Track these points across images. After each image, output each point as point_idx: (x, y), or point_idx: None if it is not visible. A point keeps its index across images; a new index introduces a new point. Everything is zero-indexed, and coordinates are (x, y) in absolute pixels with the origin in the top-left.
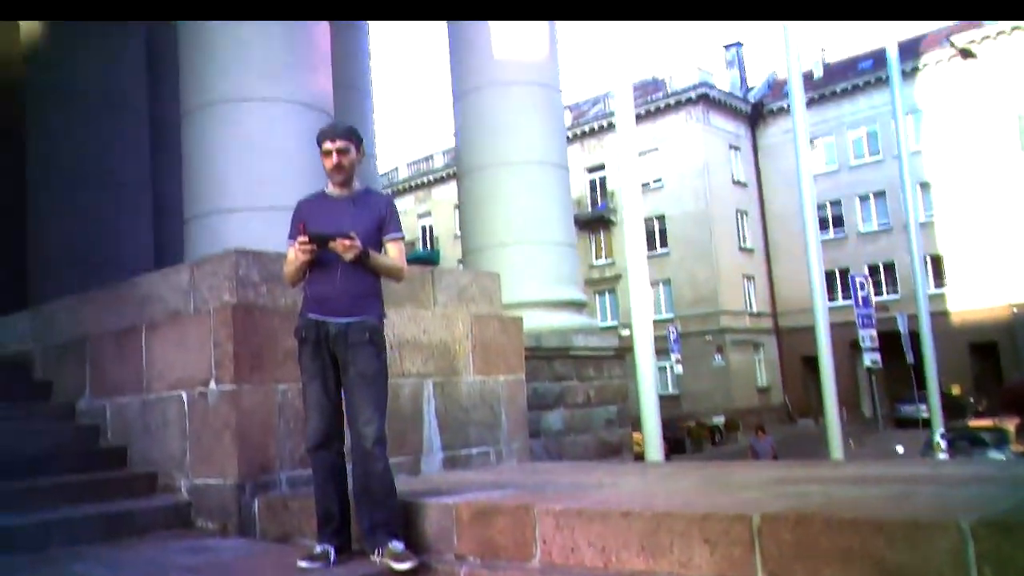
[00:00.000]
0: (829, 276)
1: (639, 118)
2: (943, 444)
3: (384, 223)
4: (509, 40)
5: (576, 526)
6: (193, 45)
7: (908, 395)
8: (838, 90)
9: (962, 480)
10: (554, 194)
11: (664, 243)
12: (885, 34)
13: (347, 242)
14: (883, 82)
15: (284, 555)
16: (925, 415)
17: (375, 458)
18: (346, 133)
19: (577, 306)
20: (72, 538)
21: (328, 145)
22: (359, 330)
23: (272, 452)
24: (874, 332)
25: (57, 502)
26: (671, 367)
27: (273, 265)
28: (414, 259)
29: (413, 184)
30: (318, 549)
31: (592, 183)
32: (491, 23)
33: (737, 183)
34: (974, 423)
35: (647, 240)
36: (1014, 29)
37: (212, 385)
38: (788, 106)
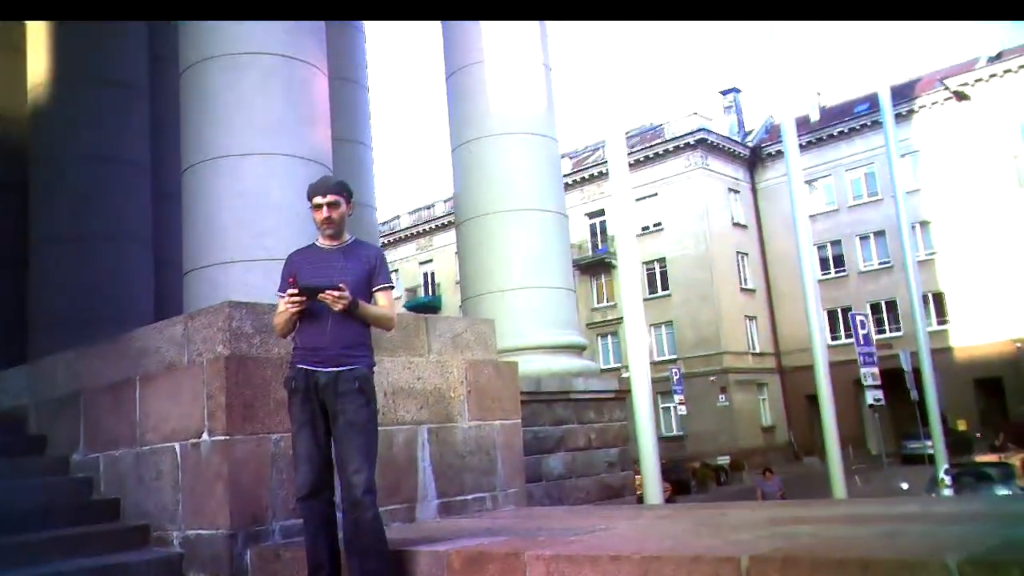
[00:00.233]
0: (831, 314)
1: (639, 163)
2: (948, 480)
3: (373, 273)
4: (505, 91)
5: (566, 571)
6: (195, 101)
7: (914, 431)
8: (835, 133)
9: (952, 518)
10: (552, 240)
11: (665, 285)
12: (878, 78)
13: (336, 293)
14: (879, 124)
15: None
16: (931, 451)
17: (365, 507)
18: (335, 187)
19: (577, 349)
20: None
21: (318, 199)
22: (348, 379)
23: (265, 502)
24: (876, 370)
25: (50, 556)
26: (675, 408)
27: (266, 316)
28: (416, 306)
29: (415, 232)
30: None
31: (592, 227)
32: (487, 76)
33: (737, 225)
34: (981, 458)
35: (648, 283)
36: (1006, 72)
37: (205, 436)
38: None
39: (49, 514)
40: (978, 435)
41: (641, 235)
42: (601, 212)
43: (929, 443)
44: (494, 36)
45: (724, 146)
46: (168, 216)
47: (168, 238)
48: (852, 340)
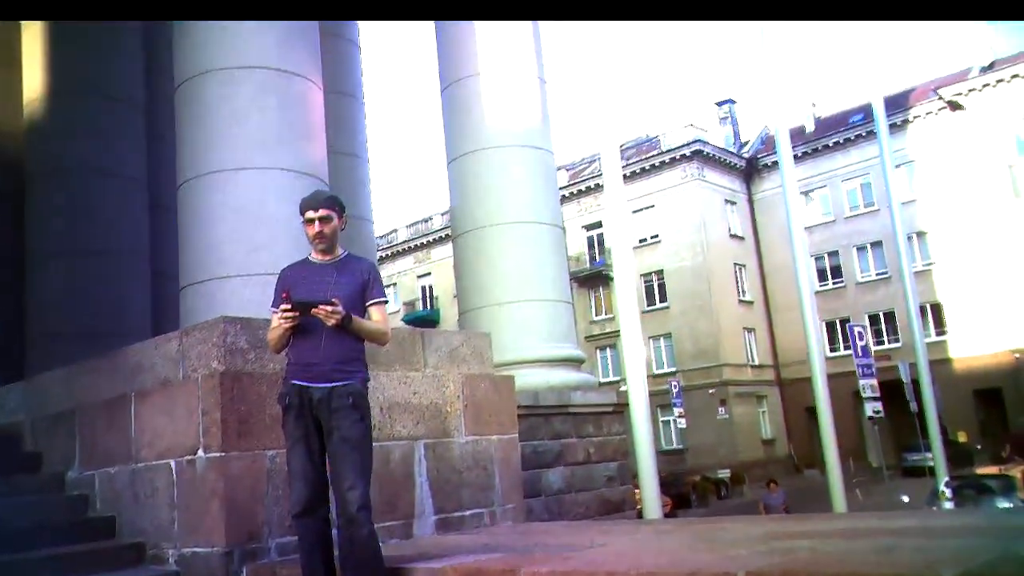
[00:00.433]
0: (829, 326)
1: (635, 175)
2: (948, 493)
3: (367, 288)
4: (501, 104)
5: None
6: (190, 115)
7: (914, 443)
8: (830, 143)
9: (950, 531)
10: (548, 253)
11: (663, 297)
12: (872, 89)
13: (329, 308)
14: (874, 134)
15: None
16: (932, 463)
17: (360, 524)
18: (327, 202)
19: (574, 363)
20: None
21: (310, 214)
22: (342, 395)
23: (261, 519)
24: (874, 382)
25: (45, 575)
26: (674, 421)
27: (261, 332)
28: (414, 319)
29: (412, 245)
30: None
31: (590, 240)
32: (484, 89)
33: (734, 236)
34: (981, 471)
35: (646, 295)
36: (999, 81)
37: (200, 452)
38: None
39: (44, 532)
40: (978, 447)
41: (638, 247)
42: (598, 224)
43: (929, 455)
44: (489, 49)
45: (720, 157)
46: (165, 230)
47: (165, 252)
48: (851, 352)
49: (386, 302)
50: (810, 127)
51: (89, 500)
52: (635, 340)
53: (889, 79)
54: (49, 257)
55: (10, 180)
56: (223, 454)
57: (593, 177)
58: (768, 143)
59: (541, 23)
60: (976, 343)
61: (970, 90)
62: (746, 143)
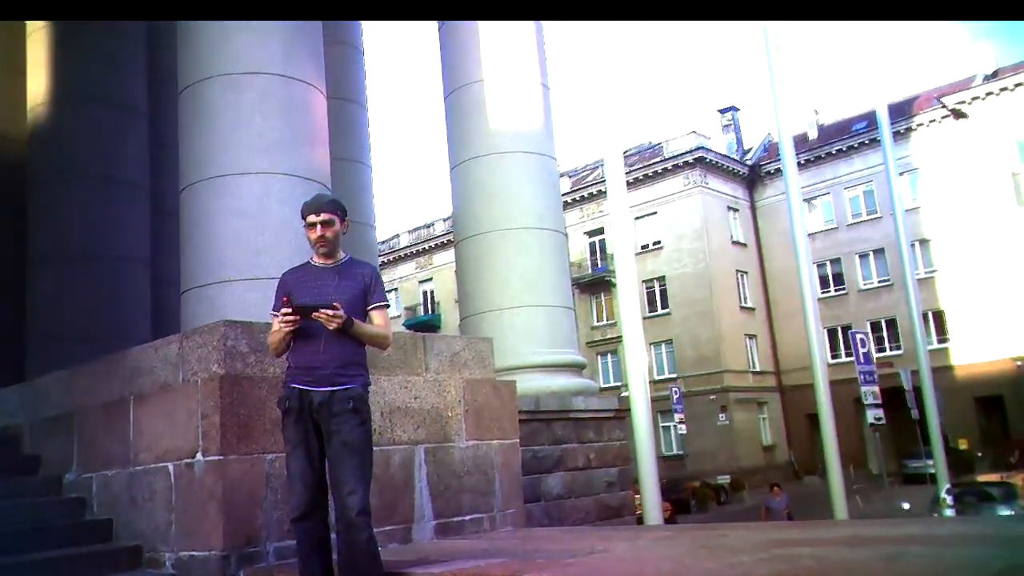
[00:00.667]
0: (831, 333)
1: (638, 182)
2: (949, 500)
3: (368, 292)
4: (504, 110)
5: None
6: (193, 120)
7: (915, 450)
8: (833, 151)
9: (955, 540)
10: (550, 258)
11: (665, 304)
12: (876, 96)
13: (330, 312)
14: (877, 142)
15: None
16: (932, 470)
17: (359, 528)
18: (329, 206)
19: (576, 368)
20: None
21: (312, 218)
22: (343, 399)
23: (259, 523)
24: (876, 389)
25: None
26: (675, 427)
27: (262, 335)
28: (415, 324)
29: (414, 250)
30: None
31: (592, 246)
32: (487, 95)
33: (736, 243)
34: (982, 478)
35: (648, 301)
36: (1002, 90)
37: (199, 456)
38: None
39: (41, 535)
40: (979, 454)
41: (641, 253)
42: (600, 230)
43: (930, 462)
44: (493, 55)
45: (723, 164)
46: (166, 235)
47: (166, 257)
48: (852, 358)
49: (388, 306)
50: (813, 134)
51: (87, 503)
52: (638, 346)
53: (892, 87)
54: (50, 261)
55: (13, 184)
56: (222, 457)
57: (595, 184)
58: (771, 150)
59: (544, 28)
60: (978, 350)
61: (973, 98)
62: (749, 150)
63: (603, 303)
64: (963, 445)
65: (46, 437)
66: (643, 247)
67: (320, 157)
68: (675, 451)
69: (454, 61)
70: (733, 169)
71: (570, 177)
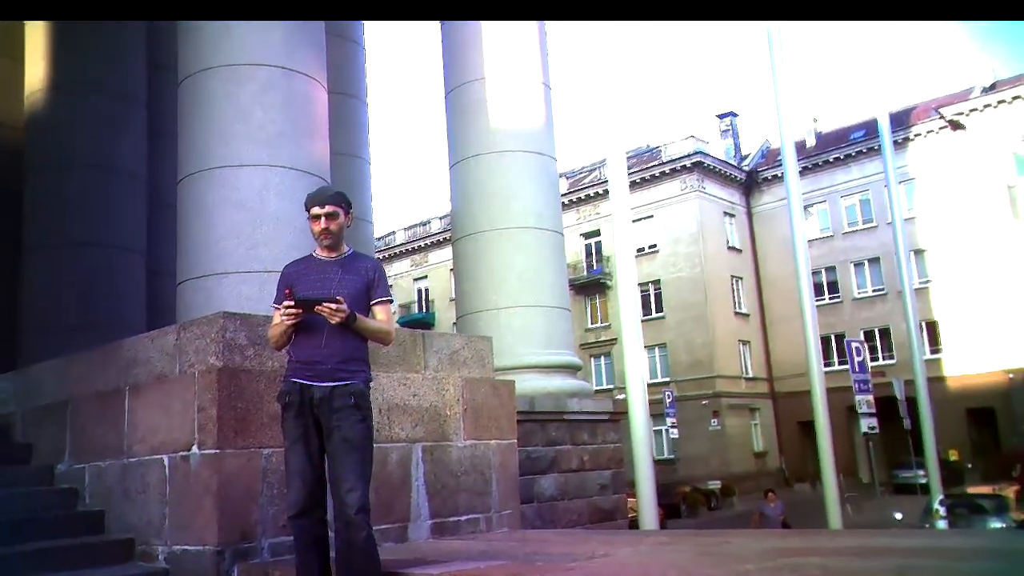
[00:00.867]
0: (825, 341)
1: (634, 185)
2: (942, 511)
3: (372, 287)
4: (505, 109)
5: None
6: (193, 110)
7: (906, 460)
8: (831, 159)
9: (963, 553)
10: (548, 258)
11: (660, 308)
12: (876, 105)
13: (334, 306)
14: (875, 151)
15: None
16: (923, 481)
17: (358, 527)
18: (334, 198)
19: (571, 369)
20: None
21: (316, 210)
22: (344, 395)
23: (254, 518)
24: (871, 398)
25: (30, 569)
26: (667, 431)
27: (261, 328)
28: (409, 322)
29: (410, 248)
30: None
31: (588, 248)
32: (488, 93)
33: (732, 249)
34: (973, 490)
35: (642, 304)
36: (1000, 102)
37: (194, 449)
38: (782, 174)
39: (32, 525)
40: (969, 465)
41: (636, 256)
42: (596, 232)
43: (921, 472)
44: (495, 53)
45: (720, 170)
46: (163, 227)
47: (162, 249)
48: (845, 367)
49: (391, 301)
50: (811, 142)
51: (79, 494)
52: (636, 349)
53: (891, 97)
54: (45, 249)
55: (9, 172)
56: (218, 451)
57: (592, 185)
58: (769, 157)
59: (547, 27)
60: (970, 362)
61: (971, 110)
62: (746, 156)
63: (597, 305)
64: (954, 456)
65: (38, 426)
66: (639, 250)
67: (320, 151)
68: (666, 455)
69: (455, 58)
70: (730, 174)
71: (567, 178)
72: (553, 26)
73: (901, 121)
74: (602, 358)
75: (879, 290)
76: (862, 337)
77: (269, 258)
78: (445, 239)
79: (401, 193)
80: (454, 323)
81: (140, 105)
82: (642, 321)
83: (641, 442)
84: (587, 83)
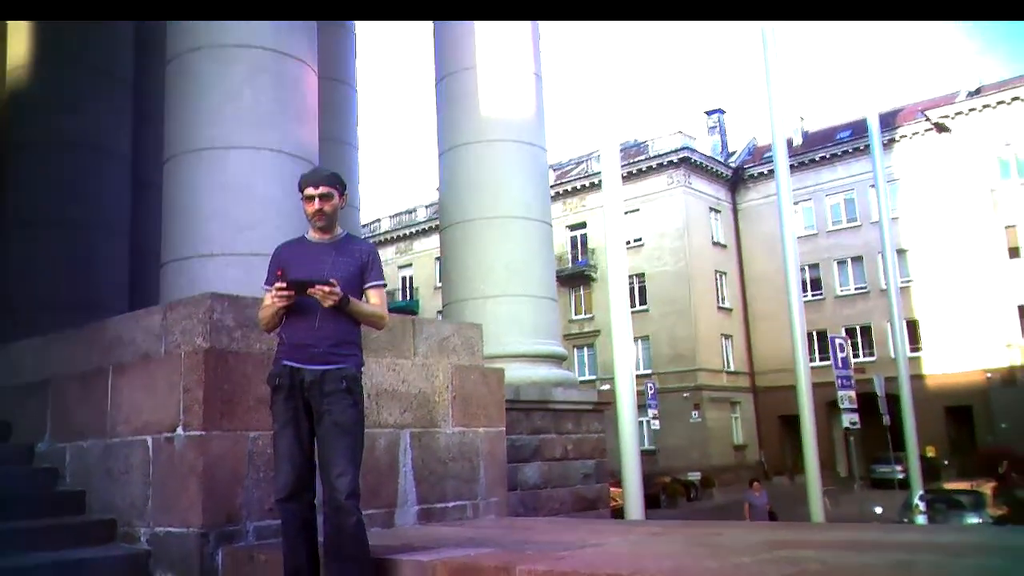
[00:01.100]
0: (807, 337)
1: (622, 179)
2: (922, 506)
3: (366, 270)
4: (496, 98)
5: None
6: (181, 90)
7: (883, 456)
8: (817, 158)
9: (961, 549)
10: (536, 248)
11: (644, 301)
12: (866, 104)
13: (327, 288)
14: (861, 151)
15: None
16: (900, 476)
17: (347, 512)
18: (329, 179)
19: (557, 359)
20: None
21: (310, 191)
22: (336, 379)
23: (240, 501)
24: (853, 393)
25: (7, 548)
26: (648, 422)
27: (249, 310)
28: (393, 309)
29: (395, 236)
30: None
31: (573, 240)
32: (479, 82)
33: (717, 244)
34: (949, 485)
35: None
36: (984, 107)
37: (179, 430)
38: (769, 171)
39: (10, 504)
40: (945, 462)
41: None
42: (582, 225)
43: (899, 468)
44: (487, 42)
45: (707, 165)
46: (147, 206)
47: (146, 229)
48: (826, 363)
49: (384, 286)
50: (798, 140)
51: (59, 473)
52: (625, 340)
53: (879, 98)
54: (28, 227)
55: None
56: (204, 433)
57: (579, 178)
58: (755, 154)
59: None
60: (949, 361)
61: (957, 113)
62: (733, 153)
63: (582, 297)
64: (931, 453)
65: (18, 404)
66: (624, 243)
67: (309, 135)
68: (647, 446)
69: (447, 46)
70: (717, 171)
71: (555, 170)
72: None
73: (887, 122)
74: (585, 349)
75: (861, 288)
76: (844, 334)
77: (256, 241)
78: (431, 227)
79: (387, 181)
80: (439, 311)
81: (126, 84)
82: None
83: (628, 433)
84: (577, 76)
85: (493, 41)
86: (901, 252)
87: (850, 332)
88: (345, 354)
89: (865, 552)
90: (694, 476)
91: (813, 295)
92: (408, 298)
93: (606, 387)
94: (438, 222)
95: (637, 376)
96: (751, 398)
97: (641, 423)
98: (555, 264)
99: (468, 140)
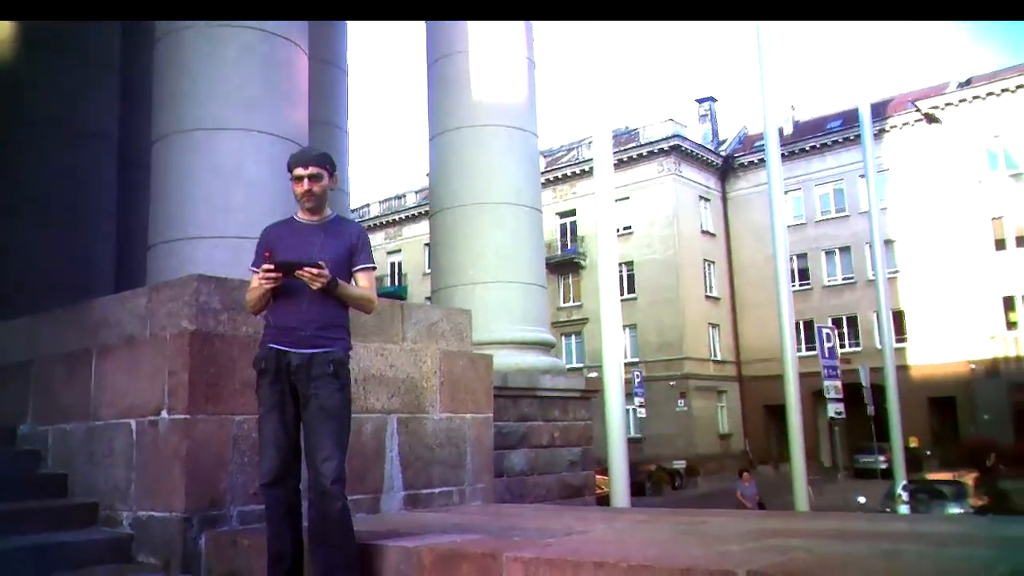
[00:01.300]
0: (794, 327)
1: (612, 166)
2: (904, 496)
3: (355, 253)
4: (488, 82)
5: None
6: (169, 71)
7: (867, 446)
8: (807, 147)
9: (947, 539)
10: (526, 235)
11: (632, 289)
12: (857, 94)
13: (315, 270)
14: (851, 141)
15: None
16: (883, 466)
17: (333, 497)
18: (318, 159)
19: (545, 347)
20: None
21: (299, 171)
22: (323, 362)
23: (224, 486)
24: (839, 383)
25: None
26: (635, 411)
27: (236, 292)
28: (382, 295)
29: (384, 221)
30: None
31: (563, 227)
32: (471, 66)
33: (706, 233)
34: (932, 476)
35: None
36: (975, 98)
37: (164, 414)
38: (759, 160)
39: None
40: (928, 453)
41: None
42: (572, 212)
43: (882, 458)
44: (480, 25)
45: (698, 154)
46: (134, 188)
47: (132, 212)
48: (812, 352)
49: (374, 269)
50: (788, 130)
51: (41, 456)
52: (614, 329)
53: (869, 88)
54: (13, 209)
55: None
56: (188, 416)
57: (570, 165)
58: (746, 143)
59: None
60: (934, 352)
61: (947, 104)
62: (724, 141)
63: (571, 284)
64: (913, 443)
65: (1, 386)
66: (615, 231)
67: (298, 117)
68: (633, 434)
69: (439, 30)
70: (707, 159)
71: (545, 157)
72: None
73: (878, 112)
74: (573, 337)
75: (849, 278)
76: (830, 324)
77: (244, 224)
78: (420, 213)
79: (377, 166)
80: (427, 297)
81: (112, 65)
82: None
83: (616, 421)
84: (570, 62)
85: (486, 25)
86: (889, 243)
87: (836, 322)
88: (333, 338)
89: (851, 541)
90: (679, 464)
91: (801, 285)
92: (397, 284)
93: (594, 375)
94: (428, 208)
95: (624, 364)
96: (737, 387)
97: (627, 411)
98: (544, 251)
99: (459, 124)
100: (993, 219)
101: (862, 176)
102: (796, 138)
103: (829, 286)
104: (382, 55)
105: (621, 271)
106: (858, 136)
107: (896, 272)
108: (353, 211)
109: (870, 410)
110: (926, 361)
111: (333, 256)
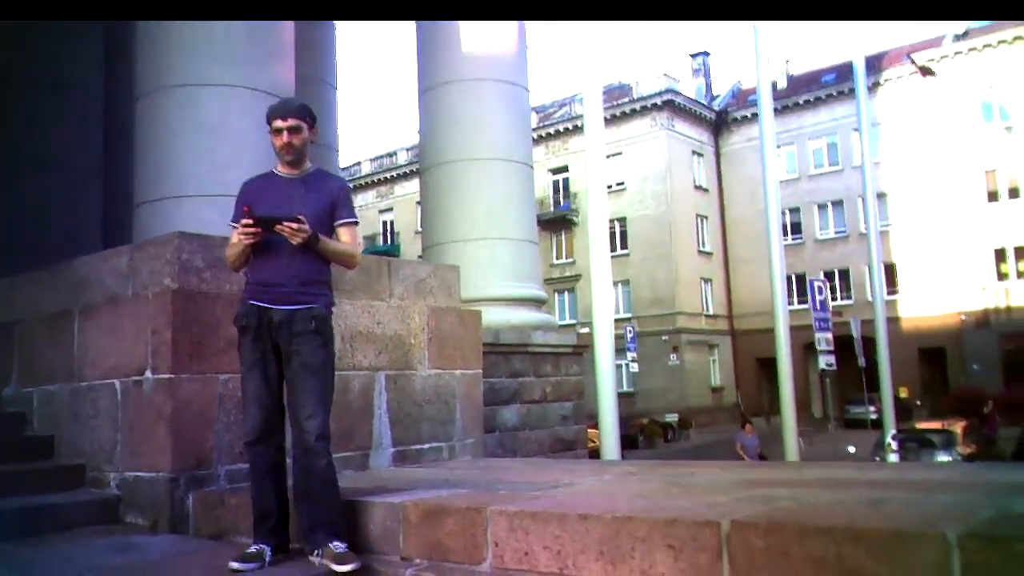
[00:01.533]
0: (786, 280)
1: (605, 122)
2: (894, 445)
3: (336, 207)
4: (478, 36)
5: (531, 529)
6: (153, 28)
7: (857, 397)
8: (801, 101)
9: (933, 486)
10: (517, 191)
11: (624, 244)
12: (852, 48)
13: (295, 225)
14: (845, 95)
15: (216, 554)
16: (873, 416)
17: (317, 454)
18: (298, 111)
19: (537, 303)
20: None
21: (278, 123)
22: (305, 319)
23: (210, 445)
24: (830, 336)
25: None
26: (627, 365)
27: (219, 250)
28: (374, 253)
29: (376, 179)
30: (253, 548)
31: (555, 184)
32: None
33: (699, 188)
34: (921, 425)
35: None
36: (971, 50)
37: (148, 374)
38: (752, 115)
39: None
40: (918, 402)
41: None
42: (564, 168)
43: (872, 408)
44: None
45: (691, 108)
46: (120, 147)
47: (118, 170)
48: (804, 306)
49: (356, 223)
50: (782, 84)
51: (27, 418)
52: (604, 285)
53: (864, 40)
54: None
55: None
56: (173, 376)
57: (561, 121)
58: (739, 97)
59: None
60: (924, 304)
61: (943, 56)
62: (717, 96)
63: (563, 241)
64: (903, 393)
65: None
66: (607, 187)
67: (285, 72)
68: (626, 388)
69: None
70: (700, 114)
71: (537, 113)
72: None
73: (872, 66)
74: (566, 293)
75: (841, 232)
76: (822, 277)
77: (231, 181)
78: (412, 171)
79: (368, 123)
80: (419, 255)
81: (98, 22)
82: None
83: (605, 375)
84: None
85: None
86: (881, 196)
87: (828, 275)
88: (315, 293)
89: (838, 490)
90: (672, 418)
91: (793, 239)
92: (389, 243)
93: (586, 330)
94: (419, 165)
95: (617, 320)
96: (729, 341)
97: (620, 366)
98: (536, 207)
99: (449, 78)
100: (986, 171)
101: (856, 130)
102: (790, 92)
103: (821, 240)
104: None
105: (614, 227)
106: (852, 90)
107: (888, 225)
108: (344, 169)
109: (861, 362)
110: (917, 313)
111: (314, 210)
